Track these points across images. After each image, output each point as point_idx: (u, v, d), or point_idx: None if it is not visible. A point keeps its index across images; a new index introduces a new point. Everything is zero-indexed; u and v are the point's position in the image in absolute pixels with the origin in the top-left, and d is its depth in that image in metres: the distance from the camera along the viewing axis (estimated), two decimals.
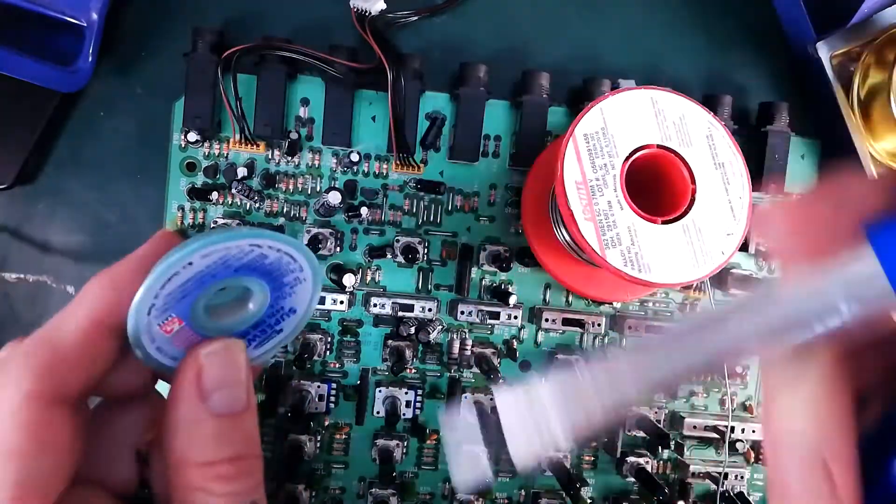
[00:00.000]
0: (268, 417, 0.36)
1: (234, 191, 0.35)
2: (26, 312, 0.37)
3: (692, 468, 0.38)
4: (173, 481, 0.20)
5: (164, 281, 0.20)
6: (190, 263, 0.20)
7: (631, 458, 0.38)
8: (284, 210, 0.37)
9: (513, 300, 0.36)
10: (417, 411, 0.37)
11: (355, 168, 0.37)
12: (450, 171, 0.37)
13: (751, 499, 0.38)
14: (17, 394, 0.18)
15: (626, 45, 0.39)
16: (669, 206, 0.30)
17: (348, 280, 0.35)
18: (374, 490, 0.36)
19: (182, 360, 0.21)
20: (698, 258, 0.29)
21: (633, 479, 0.38)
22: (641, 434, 0.38)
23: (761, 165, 0.38)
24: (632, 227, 0.29)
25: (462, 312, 0.37)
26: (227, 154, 0.36)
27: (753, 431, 0.38)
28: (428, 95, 0.37)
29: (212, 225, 0.36)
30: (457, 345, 0.37)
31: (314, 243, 0.35)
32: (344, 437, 0.37)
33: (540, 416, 0.18)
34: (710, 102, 0.37)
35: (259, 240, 0.20)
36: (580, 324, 0.37)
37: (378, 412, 0.37)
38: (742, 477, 0.38)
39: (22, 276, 0.28)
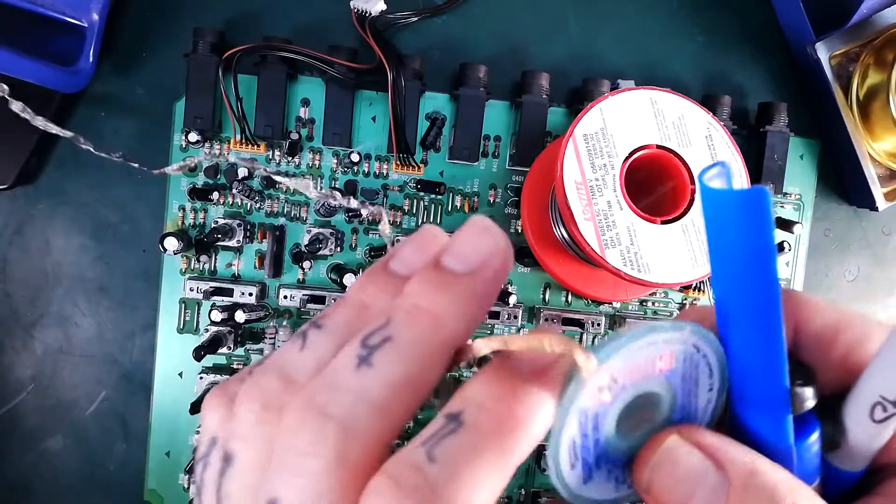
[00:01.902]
0: None
1: (234, 191, 0.35)
2: (27, 312, 0.37)
3: None
4: None
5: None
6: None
7: None
8: (285, 210, 0.37)
9: (513, 300, 0.36)
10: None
11: (356, 168, 0.37)
12: (450, 171, 0.38)
13: None
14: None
15: (626, 45, 0.39)
16: (669, 206, 0.30)
17: (349, 280, 0.35)
18: None
19: None
20: (697, 258, 0.29)
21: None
22: None
23: (760, 165, 0.38)
24: (631, 227, 0.29)
25: None
26: (228, 154, 0.37)
27: None
28: (428, 96, 0.37)
29: (212, 224, 0.36)
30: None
31: (314, 243, 0.36)
32: None
33: None
34: (709, 103, 0.37)
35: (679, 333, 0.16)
36: (580, 324, 0.38)
37: None
38: None
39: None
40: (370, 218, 0.35)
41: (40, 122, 0.29)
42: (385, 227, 0.33)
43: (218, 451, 0.17)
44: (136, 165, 0.33)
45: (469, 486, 0.14)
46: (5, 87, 0.28)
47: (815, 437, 0.17)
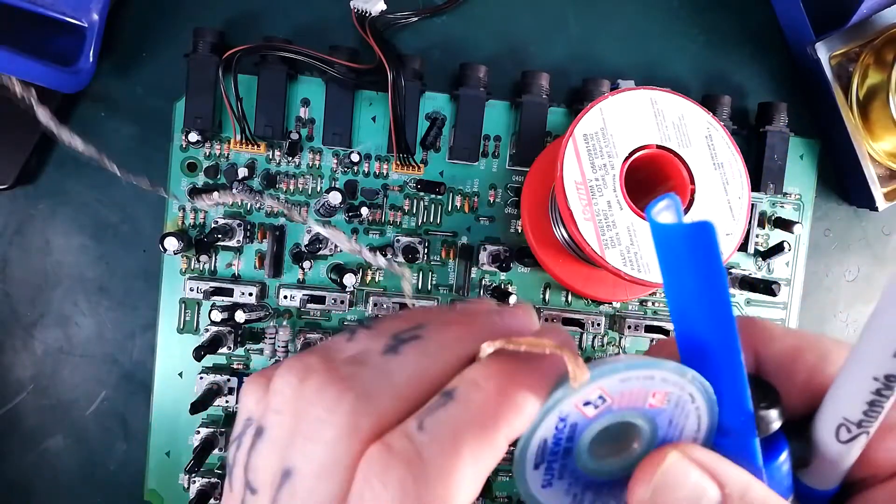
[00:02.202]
0: None
1: (234, 191, 0.35)
2: (27, 312, 0.37)
3: None
4: None
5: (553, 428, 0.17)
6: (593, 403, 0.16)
7: None
8: (285, 210, 0.37)
9: (513, 300, 0.36)
10: None
11: (356, 168, 0.37)
12: (450, 171, 0.38)
13: None
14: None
15: (626, 45, 0.39)
16: None
17: (349, 280, 0.35)
18: None
19: None
20: None
21: None
22: None
23: (760, 166, 0.38)
24: (631, 226, 0.29)
25: None
26: (228, 154, 0.37)
27: None
28: (428, 96, 0.37)
29: (212, 224, 0.36)
30: None
31: (314, 243, 0.36)
32: None
33: None
34: (709, 103, 0.37)
35: (657, 371, 0.16)
36: (580, 324, 0.38)
37: None
38: None
39: None
40: (382, 263, 0.35)
41: (65, 136, 0.28)
42: (407, 288, 0.34)
43: (252, 428, 0.17)
44: (161, 191, 0.33)
45: (453, 455, 0.15)
46: (33, 92, 0.27)
47: (784, 456, 0.17)
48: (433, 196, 0.37)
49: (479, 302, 0.20)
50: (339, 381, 0.16)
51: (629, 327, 0.38)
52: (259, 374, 0.19)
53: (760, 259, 0.39)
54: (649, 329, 0.38)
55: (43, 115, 0.28)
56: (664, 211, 0.15)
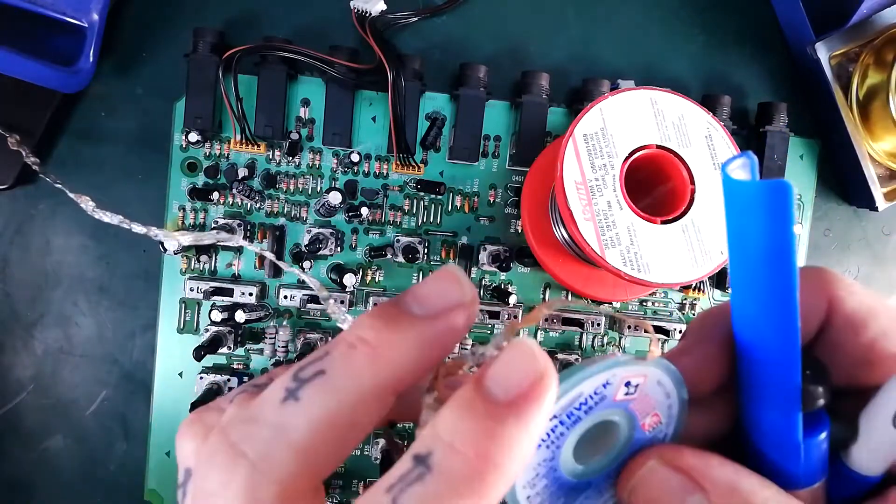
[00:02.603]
0: None
1: (234, 191, 0.35)
2: (27, 312, 0.37)
3: None
4: None
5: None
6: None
7: None
8: (285, 210, 0.37)
9: (513, 300, 0.36)
10: None
11: (356, 168, 0.37)
12: (450, 171, 0.38)
13: None
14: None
15: (626, 45, 0.39)
16: (669, 206, 0.30)
17: (349, 280, 0.35)
18: None
19: None
20: (697, 258, 0.29)
21: None
22: None
23: (760, 166, 0.38)
24: (631, 227, 0.29)
25: None
26: (228, 154, 0.37)
27: None
28: (428, 96, 0.37)
29: (212, 224, 0.36)
30: (457, 344, 0.37)
31: (314, 243, 0.36)
32: None
33: None
34: (709, 103, 0.37)
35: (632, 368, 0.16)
36: (580, 324, 0.38)
37: None
38: None
39: None
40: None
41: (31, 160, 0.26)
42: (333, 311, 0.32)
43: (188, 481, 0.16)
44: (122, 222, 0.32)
45: None
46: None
47: (823, 435, 0.17)
48: (433, 196, 0.37)
49: (405, 294, 0.16)
50: (228, 448, 0.14)
51: (629, 327, 0.38)
52: (196, 418, 0.17)
53: None
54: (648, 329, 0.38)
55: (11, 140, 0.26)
56: (739, 168, 0.14)
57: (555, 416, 0.16)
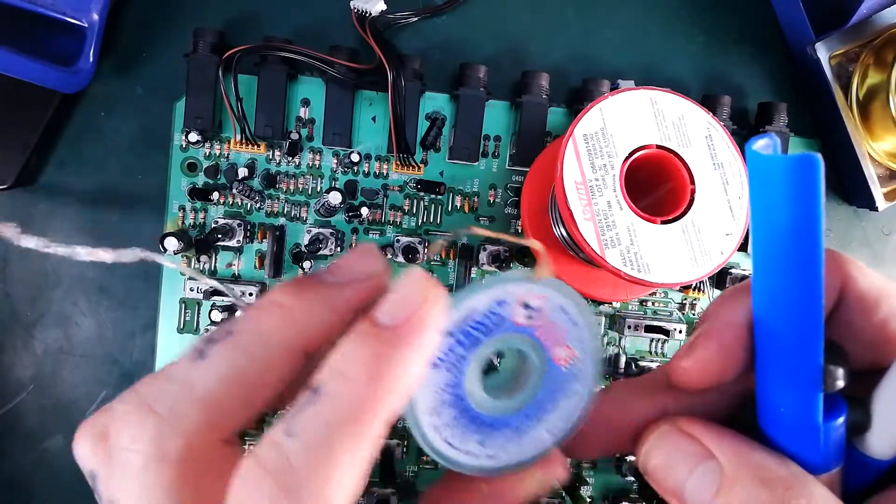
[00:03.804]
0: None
1: (234, 191, 0.35)
2: (27, 312, 0.37)
3: None
4: None
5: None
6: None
7: (630, 458, 0.38)
8: (285, 210, 0.37)
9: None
10: None
11: (356, 168, 0.37)
12: (450, 171, 0.38)
13: None
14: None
15: (626, 45, 0.39)
16: (669, 206, 0.30)
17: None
18: (374, 490, 0.36)
19: None
20: (697, 258, 0.29)
21: (632, 479, 0.38)
22: None
23: None
24: (631, 226, 0.29)
25: None
26: (228, 154, 0.37)
27: None
28: (428, 96, 0.37)
29: (212, 224, 0.36)
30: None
31: (314, 243, 0.36)
32: None
33: None
34: (709, 103, 0.37)
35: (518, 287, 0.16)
36: None
37: None
38: None
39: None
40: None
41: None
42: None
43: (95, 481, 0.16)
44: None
45: (326, 459, 0.14)
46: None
47: (841, 420, 0.17)
48: (433, 196, 0.37)
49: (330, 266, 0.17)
50: (139, 405, 0.15)
51: (629, 327, 0.38)
52: (88, 422, 0.17)
53: None
54: (649, 329, 0.38)
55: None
56: (765, 148, 0.14)
57: (450, 335, 0.16)
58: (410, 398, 0.16)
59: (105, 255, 0.19)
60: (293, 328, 0.16)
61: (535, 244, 0.17)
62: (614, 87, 0.37)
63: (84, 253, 0.20)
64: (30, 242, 0.23)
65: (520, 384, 0.18)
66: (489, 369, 0.18)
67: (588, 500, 0.38)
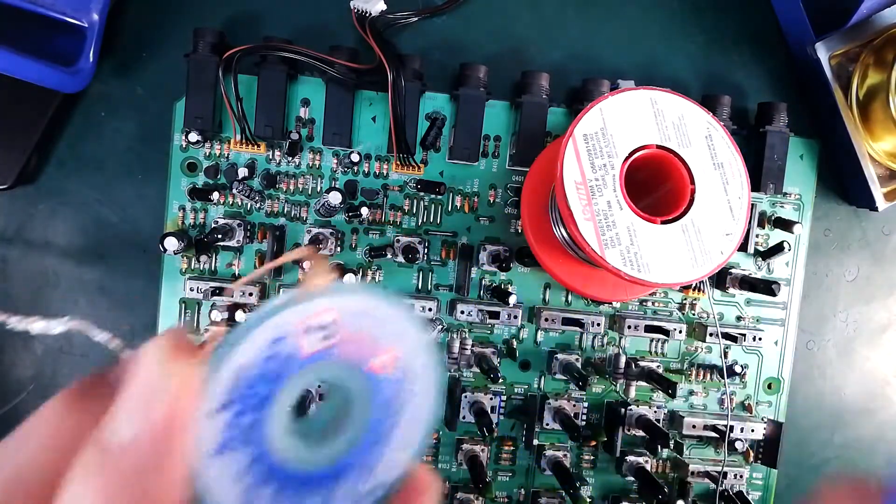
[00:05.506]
0: None
1: (234, 191, 0.35)
2: (27, 312, 0.37)
3: (691, 467, 0.38)
4: None
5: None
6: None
7: (630, 458, 0.38)
8: (285, 210, 0.37)
9: (512, 300, 0.36)
10: None
11: (356, 168, 0.37)
12: (450, 171, 0.38)
13: (750, 498, 0.38)
14: None
15: (626, 45, 0.39)
16: (669, 206, 0.30)
17: (349, 280, 0.35)
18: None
19: None
20: (697, 258, 0.29)
21: (632, 479, 0.38)
22: (641, 433, 0.38)
23: (760, 166, 0.38)
24: (631, 226, 0.29)
25: (462, 312, 0.37)
26: (228, 154, 0.37)
27: (752, 430, 0.38)
28: (428, 96, 0.37)
29: (212, 224, 0.36)
30: (457, 344, 0.37)
31: (314, 243, 0.36)
32: None
33: None
34: (709, 103, 0.37)
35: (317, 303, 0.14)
36: (580, 324, 0.38)
37: None
38: (741, 476, 0.38)
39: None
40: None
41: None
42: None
43: None
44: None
45: None
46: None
47: None
48: (433, 196, 0.37)
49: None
50: None
51: (629, 327, 0.38)
52: None
53: (760, 259, 0.39)
54: (649, 329, 0.38)
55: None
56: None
57: (224, 408, 0.13)
58: None
59: (36, 326, 0.18)
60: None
61: (300, 252, 0.15)
62: (614, 87, 0.37)
63: (15, 321, 0.18)
64: None
65: (345, 415, 0.15)
66: (303, 405, 0.15)
67: (588, 500, 0.38)
